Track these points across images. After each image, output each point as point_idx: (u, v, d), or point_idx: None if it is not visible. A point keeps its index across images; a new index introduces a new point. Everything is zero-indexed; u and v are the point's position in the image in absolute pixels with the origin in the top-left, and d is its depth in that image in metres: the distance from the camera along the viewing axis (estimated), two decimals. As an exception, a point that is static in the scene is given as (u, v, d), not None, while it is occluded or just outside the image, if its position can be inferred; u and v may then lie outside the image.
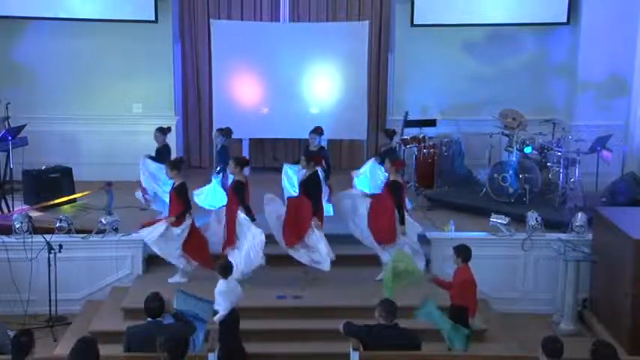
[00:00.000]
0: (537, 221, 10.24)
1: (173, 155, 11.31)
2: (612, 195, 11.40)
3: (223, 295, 7.79)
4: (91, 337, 6.57)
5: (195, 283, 9.39)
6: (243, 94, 13.24)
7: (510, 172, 11.61)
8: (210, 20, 13.34)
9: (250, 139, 13.63)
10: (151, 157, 10.89)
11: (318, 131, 11.23)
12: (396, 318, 7.05)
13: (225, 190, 10.38)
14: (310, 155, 10.07)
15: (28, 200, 11.72)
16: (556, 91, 13.55)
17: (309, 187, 9.61)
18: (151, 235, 9.57)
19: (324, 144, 11.90)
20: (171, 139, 11.91)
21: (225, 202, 9.81)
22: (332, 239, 9.60)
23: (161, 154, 10.95)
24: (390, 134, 11.68)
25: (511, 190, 11.59)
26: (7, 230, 10.06)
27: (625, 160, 12.67)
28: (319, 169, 9.97)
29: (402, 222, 9.46)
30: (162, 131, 11.20)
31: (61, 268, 9.65)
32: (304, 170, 9.76)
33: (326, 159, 11.03)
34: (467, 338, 7.67)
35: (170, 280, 9.66)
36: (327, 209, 10.08)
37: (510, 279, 10.17)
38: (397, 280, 8.09)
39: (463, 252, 8.17)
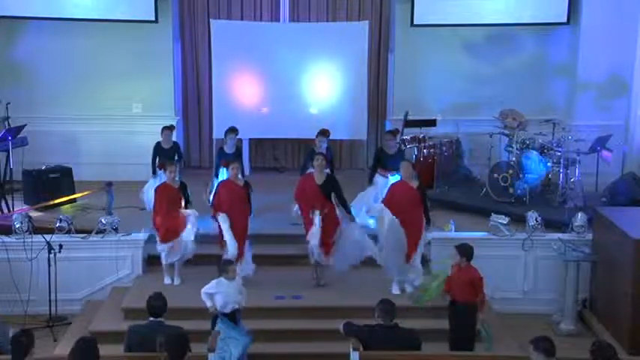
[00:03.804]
0: (537, 221, 10.25)
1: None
2: (612, 195, 11.41)
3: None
4: (91, 337, 6.58)
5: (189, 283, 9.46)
6: (243, 94, 13.23)
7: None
8: (210, 20, 13.33)
9: (250, 139, 13.63)
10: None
11: (326, 134, 11.15)
12: (395, 318, 7.06)
13: None
14: (325, 157, 9.98)
15: (28, 200, 11.71)
16: (556, 91, 13.55)
17: (334, 187, 9.59)
18: None
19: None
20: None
21: None
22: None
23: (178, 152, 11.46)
24: (396, 135, 11.68)
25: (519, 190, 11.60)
26: (7, 230, 10.06)
27: (625, 160, 12.68)
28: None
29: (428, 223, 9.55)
30: (171, 129, 11.54)
31: (61, 268, 9.66)
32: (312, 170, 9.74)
33: (331, 162, 11.00)
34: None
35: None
36: None
37: (510, 279, 10.17)
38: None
39: (466, 251, 8.18)
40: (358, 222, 9.69)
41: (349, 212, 9.62)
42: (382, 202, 9.61)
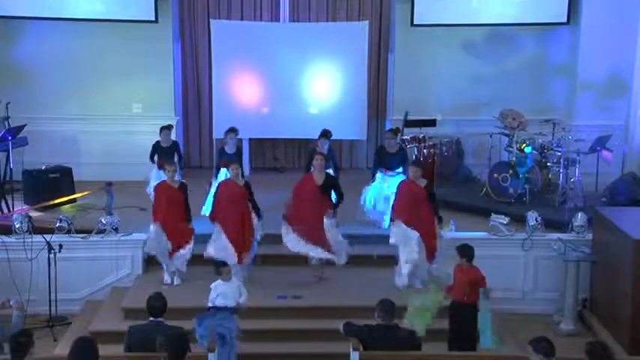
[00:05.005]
0: (537, 221, 10.24)
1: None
2: (612, 195, 11.41)
3: None
4: (90, 337, 6.57)
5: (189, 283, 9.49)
6: (243, 94, 13.23)
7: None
8: (210, 20, 13.33)
9: (250, 139, 13.63)
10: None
11: (327, 135, 11.15)
12: (395, 318, 7.06)
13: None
14: (324, 156, 10.02)
15: (28, 200, 11.71)
16: (556, 91, 13.55)
17: (334, 184, 9.67)
18: None
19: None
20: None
21: None
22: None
23: (177, 150, 11.46)
24: (397, 134, 11.69)
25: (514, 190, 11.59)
26: (7, 230, 10.05)
27: (625, 160, 12.67)
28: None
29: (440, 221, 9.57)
30: (170, 128, 11.56)
31: (61, 268, 9.65)
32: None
33: (335, 166, 11.01)
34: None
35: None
36: None
37: (510, 279, 10.17)
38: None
39: (467, 251, 8.19)
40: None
41: (337, 205, 9.71)
42: (392, 206, 9.71)
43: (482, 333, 7.97)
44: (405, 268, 9.42)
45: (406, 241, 9.40)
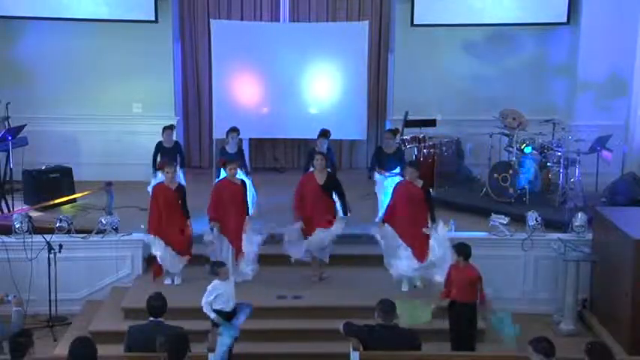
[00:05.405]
0: (537, 221, 10.25)
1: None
2: (612, 195, 11.41)
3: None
4: (89, 337, 6.57)
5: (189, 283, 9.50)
6: (243, 94, 13.21)
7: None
8: (210, 20, 13.31)
9: (250, 139, 13.62)
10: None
11: (326, 135, 11.16)
12: (395, 318, 7.06)
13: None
14: (325, 156, 10.01)
15: (28, 200, 11.71)
16: (556, 91, 13.55)
17: (335, 185, 9.68)
18: None
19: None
20: (171, 139, 11.89)
21: None
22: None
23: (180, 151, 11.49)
24: (396, 134, 11.69)
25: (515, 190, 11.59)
26: (7, 230, 10.06)
27: (625, 160, 12.65)
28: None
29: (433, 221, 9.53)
30: (172, 128, 11.57)
31: (61, 268, 9.66)
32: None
33: (333, 164, 11.01)
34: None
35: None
36: None
37: (510, 279, 10.17)
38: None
39: (463, 250, 8.20)
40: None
41: (346, 211, 9.73)
42: (387, 206, 9.67)
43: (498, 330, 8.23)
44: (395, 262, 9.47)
45: (392, 246, 9.45)
